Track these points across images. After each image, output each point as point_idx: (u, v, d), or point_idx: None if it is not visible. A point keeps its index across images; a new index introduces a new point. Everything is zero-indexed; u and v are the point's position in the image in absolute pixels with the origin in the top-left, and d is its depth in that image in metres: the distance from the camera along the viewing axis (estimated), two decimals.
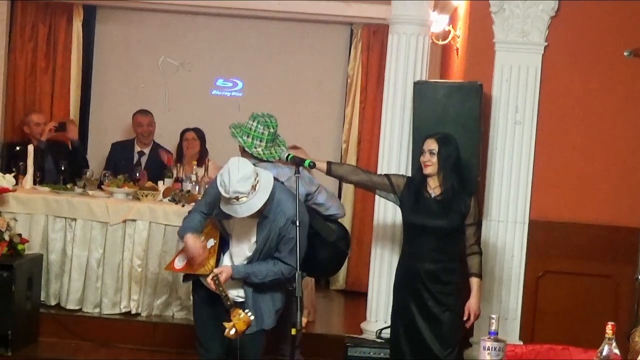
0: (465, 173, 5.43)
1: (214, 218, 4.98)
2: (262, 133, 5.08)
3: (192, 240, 4.88)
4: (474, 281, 5.28)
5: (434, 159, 5.24)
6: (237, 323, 4.58)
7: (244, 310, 4.62)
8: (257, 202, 4.65)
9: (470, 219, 5.28)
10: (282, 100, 9.05)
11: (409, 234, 5.41)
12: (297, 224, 4.69)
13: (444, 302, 5.26)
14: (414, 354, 5.31)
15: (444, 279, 5.25)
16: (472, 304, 5.25)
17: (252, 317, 4.64)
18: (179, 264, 5.06)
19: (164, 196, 7.18)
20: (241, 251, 4.92)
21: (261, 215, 4.78)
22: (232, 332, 4.58)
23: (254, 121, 5.11)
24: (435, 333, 5.26)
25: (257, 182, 4.64)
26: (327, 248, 5.23)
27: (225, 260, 4.95)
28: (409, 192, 5.34)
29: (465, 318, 5.27)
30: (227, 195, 4.60)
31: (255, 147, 5.09)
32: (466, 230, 5.28)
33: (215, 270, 4.80)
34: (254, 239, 4.87)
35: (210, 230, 5.00)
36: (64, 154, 8.05)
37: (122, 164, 8.14)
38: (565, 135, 6.32)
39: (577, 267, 6.23)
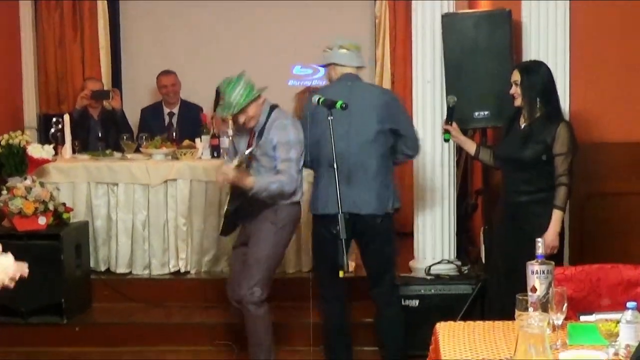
0: (553, 102, 5.25)
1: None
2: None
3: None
4: (554, 213, 5.09)
5: (519, 90, 5.14)
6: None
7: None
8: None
9: (557, 149, 5.08)
10: (310, 50, 8.96)
11: (500, 168, 5.42)
12: (335, 167, 4.73)
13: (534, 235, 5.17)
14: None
15: (534, 211, 5.16)
16: (547, 235, 5.02)
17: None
18: None
19: None
20: None
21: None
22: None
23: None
24: None
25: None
26: None
27: None
28: (505, 127, 5.37)
29: None
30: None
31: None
32: (554, 160, 5.10)
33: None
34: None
35: None
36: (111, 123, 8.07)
37: (154, 127, 8.10)
38: (601, 55, 6.19)
39: (621, 187, 6.16)
